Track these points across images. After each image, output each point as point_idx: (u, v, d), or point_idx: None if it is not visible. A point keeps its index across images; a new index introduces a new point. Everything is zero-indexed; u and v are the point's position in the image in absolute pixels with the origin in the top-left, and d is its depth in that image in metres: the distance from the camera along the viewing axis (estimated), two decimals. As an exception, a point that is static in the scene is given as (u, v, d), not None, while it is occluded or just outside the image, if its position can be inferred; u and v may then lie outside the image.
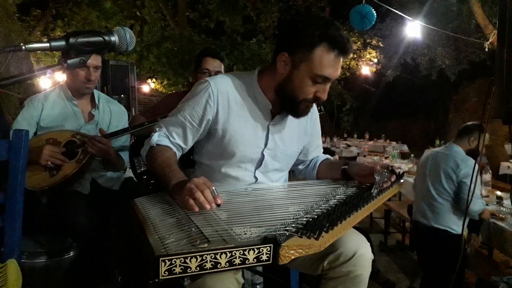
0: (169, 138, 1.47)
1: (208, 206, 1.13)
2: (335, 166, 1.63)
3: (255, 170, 1.52)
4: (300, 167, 1.77)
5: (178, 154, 1.48)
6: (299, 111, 1.44)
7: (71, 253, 1.72)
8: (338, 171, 1.58)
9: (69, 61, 0.95)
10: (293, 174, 1.84)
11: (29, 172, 1.90)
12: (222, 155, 1.49)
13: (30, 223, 1.62)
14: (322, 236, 1.02)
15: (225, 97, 1.45)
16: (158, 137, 1.45)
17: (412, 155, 5.67)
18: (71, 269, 1.75)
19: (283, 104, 1.45)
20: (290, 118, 1.53)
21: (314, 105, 1.66)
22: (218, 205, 1.15)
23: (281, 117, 1.51)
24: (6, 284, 1.21)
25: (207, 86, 1.44)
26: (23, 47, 0.85)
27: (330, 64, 1.34)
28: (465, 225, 2.71)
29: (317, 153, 1.75)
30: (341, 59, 1.36)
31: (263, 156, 1.51)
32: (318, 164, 1.71)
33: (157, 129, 1.49)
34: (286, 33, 1.42)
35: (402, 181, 1.67)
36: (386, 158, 6.07)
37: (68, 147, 2.00)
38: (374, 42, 11.63)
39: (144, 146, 1.48)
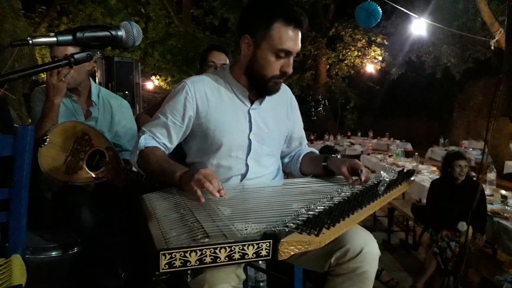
0: (155, 139, 1.52)
1: (217, 194, 1.20)
2: (317, 161, 1.64)
3: (246, 158, 1.55)
4: (286, 160, 1.79)
5: (166, 153, 1.53)
6: (270, 89, 1.49)
7: (75, 249, 1.72)
8: (320, 167, 1.60)
9: (76, 56, 0.94)
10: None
11: (52, 156, 1.88)
12: (211, 148, 1.53)
13: (34, 218, 1.62)
14: (323, 233, 1.03)
15: (202, 93, 1.51)
16: (145, 140, 1.50)
17: (417, 153, 5.65)
18: (75, 265, 1.75)
19: (253, 84, 1.51)
20: (269, 102, 1.59)
21: (291, 93, 1.74)
22: (221, 196, 1.22)
23: (259, 102, 1.57)
24: (10, 279, 1.22)
25: (184, 85, 1.51)
26: (30, 41, 0.85)
27: (289, 38, 1.40)
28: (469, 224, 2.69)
29: (300, 144, 1.78)
30: (299, 32, 1.43)
31: (250, 141, 1.55)
32: (301, 157, 1.72)
33: (141, 133, 1.54)
34: (245, 17, 1.48)
35: (412, 178, 1.66)
36: (390, 156, 6.06)
37: (97, 157, 1.96)
38: (379, 39, 11.62)
39: (133, 153, 1.53)
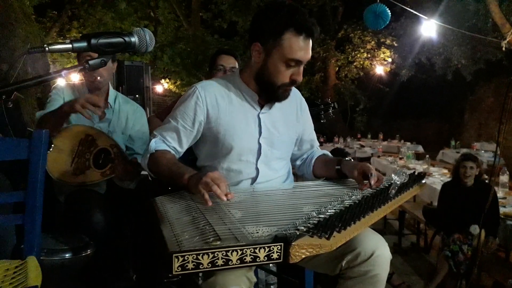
0: (166, 143, 1.54)
1: (225, 198, 1.21)
2: (330, 164, 1.65)
3: (256, 162, 1.56)
4: (298, 162, 1.79)
5: (176, 157, 1.55)
6: (280, 96, 1.51)
7: (88, 251, 1.75)
8: (333, 170, 1.61)
9: (90, 62, 0.96)
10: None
11: (58, 160, 1.92)
12: (221, 152, 1.54)
13: (48, 221, 1.65)
14: (334, 236, 1.03)
15: (212, 97, 1.52)
16: (155, 144, 1.52)
17: (427, 156, 5.60)
18: (88, 267, 1.77)
19: (263, 91, 1.52)
20: (279, 106, 1.59)
21: (301, 96, 1.75)
22: (228, 200, 1.23)
23: (269, 106, 1.58)
24: (26, 280, 1.24)
25: (195, 90, 1.53)
26: (47, 48, 0.87)
27: (300, 47, 1.40)
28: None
29: (311, 146, 1.79)
30: (310, 42, 1.43)
31: (260, 145, 1.55)
32: (314, 160, 1.73)
33: (152, 137, 1.56)
34: (256, 24, 1.49)
35: (423, 181, 1.65)
36: (400, 158, 6.01)
37: (102, 155, 2.00)
38: (388, 41, 11.54)
39: (144, 156, 1.55)
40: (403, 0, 7.09)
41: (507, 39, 6.13)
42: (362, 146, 8.60)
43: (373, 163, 6.85)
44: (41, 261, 1.43)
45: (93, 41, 0.95)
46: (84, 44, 0.95)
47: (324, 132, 9.99)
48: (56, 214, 2.07)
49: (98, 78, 2.10)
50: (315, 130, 1.83)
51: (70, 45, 0.92)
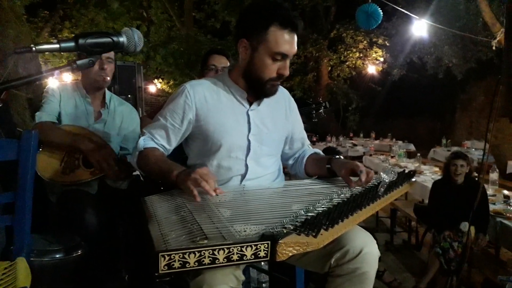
0: (154, 140, 1.56)
1: (213, 193, 1.25)
2: (321, 163, 1.67)
3: (245, 158, 1.57)
4: (290, 162, 1.81)
5: (165, 154, 1.57)
6: (267, 91, 1.53)
7: (79, 252, 1.74)
8: (324, 169, 1.63)
9: (78, 62, 0.97)
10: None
11: (46, 159, 1.93)
12: (211, 149, 1.56)
13: (39, 221, 1.64)
14: (321, 234, 1.03)
15: (201, 96, 1.54)
16: (144, 141, 1.54)
17: (419, 154, 5.64)
18: (79, 267, 1.77)
19: (251, 87, 1.54)
20: (268, 104, 1.62)
21: (289, 95, 1.77)
22: (217, 195, 1.27)
23: (258, 103, 1.60)
24: (15, 282, 1.23)
25: (184, 89, 1.55)
26: (34, 48, 0.87)
27: (285, 41, 1.44)
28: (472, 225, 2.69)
29: (302, 145, 1.80)
30: (295, 36, 1.47)
31: (249, 141, 1.57)
32: (305, 159, 1.75)
33: (141, 135, 1.58)
34: (242, 21, 1.52)
35: (413, 180, 1.66)
36: (392, 157, 6.05)
37: None
38: (380, 41, 11.63)
39: (132, 154, 1.58)
40: (395, 0, 7.13)
41: (497, 38, 6.19)
42: (355, 145, 8.65)
43: (365, 161, 6.88)
44: (31, 262, 1.42)
45: (80, 41, 0.95)
46: (71, 44, 0.95)
47: (316, 131, 10.03)
48: (47, 214, 2.06)
49: (107, 78, 2.12)
50: (307, 129, 1.85)
51: (57, 45, 0.92)
